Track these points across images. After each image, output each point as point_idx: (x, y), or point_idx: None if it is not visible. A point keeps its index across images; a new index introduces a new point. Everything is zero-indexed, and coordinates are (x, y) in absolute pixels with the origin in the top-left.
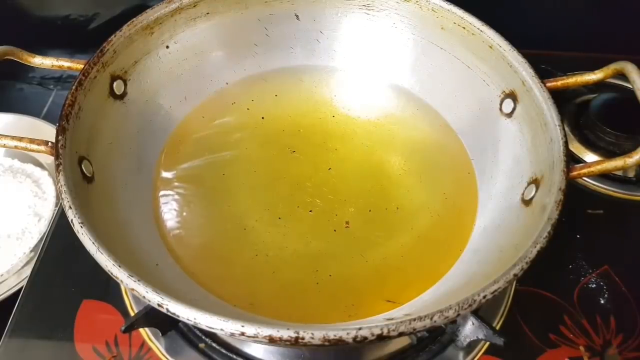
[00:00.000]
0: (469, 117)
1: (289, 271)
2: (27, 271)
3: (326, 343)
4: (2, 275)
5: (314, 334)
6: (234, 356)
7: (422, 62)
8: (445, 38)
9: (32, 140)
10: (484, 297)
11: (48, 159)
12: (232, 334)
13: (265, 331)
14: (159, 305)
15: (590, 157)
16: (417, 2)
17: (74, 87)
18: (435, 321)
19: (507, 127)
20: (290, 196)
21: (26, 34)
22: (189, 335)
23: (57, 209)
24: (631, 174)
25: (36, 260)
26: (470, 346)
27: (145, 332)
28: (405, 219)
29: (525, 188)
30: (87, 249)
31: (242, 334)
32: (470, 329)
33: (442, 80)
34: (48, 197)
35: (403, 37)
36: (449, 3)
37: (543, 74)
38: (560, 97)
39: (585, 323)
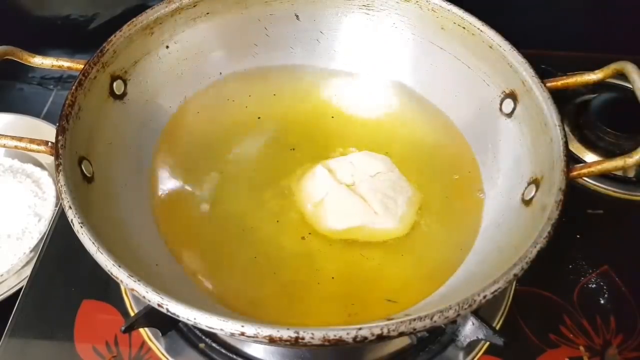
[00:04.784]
0: (469, 117)
1: (289, 271)
2: (27, 271)
3: (326, 343)
4: (2, 275)
5: (314, 334)
6: (234, 356)
7: (422, 62)
8: (446, 38)
9: (32, 141)
10: (484, 297)
11: (48, 159)
12: (232, 334)
13: (265, 331)
14: (159, 305)
15: (590, 157)
16: (417, 2)
17: (73, 87)
18: (435, 321)
19: (507, 127)
20: (291, 199)
21: (26, 34)
22: (189, 335)
23: (57, 209)
24: (631, 174)
25: (36, 261)
26: (470, 346)
27: (145, 332)
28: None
29: (526, 188)
30: (87, 249)
31: (242, 334)
32: (470, 329)
33: (442, 80)
34: (48, 197)
35: (403, 37)
36: (449, 3)
37: (543, 74)
38: (560, 97)
39: (585, 323)
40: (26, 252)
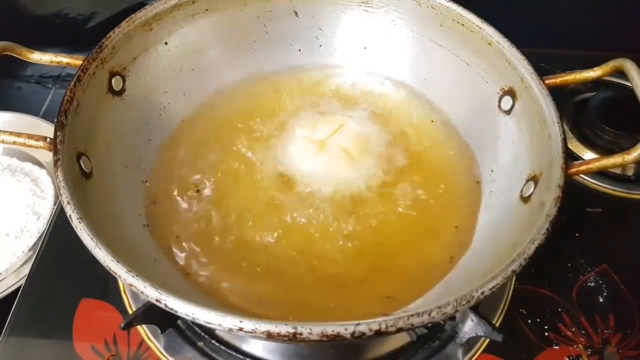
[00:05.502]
0: (468, 114)
1: (287, 269)
2: (26, 270)
3: (324, 339)
4: (0, 273)
5: (312, 330)
6: (233, 354)
7: (421, 59)
8: (445, 35)
9: (30, 136)
10: (482, 293)
11: (47, 158)
12: (230, 330)
13: (264, 326)
14: (157, 300)
15: (589, 155)
16: None
17: (72, 83)
18: (433, 317)
19: (506, 124)
20: (286, 193)
21: (25, 33)
22: (188, 333)
23: (55, 207)
24: (630, 172)
25: (35, 259)
26: (469, 344)
27: (144, 331)
28: (405, 215)
29: (524, 185)
30: (86, 245)
31: (240, 329)
32: (469, 326)
33: (441, 77)
34: (47, 196)
35: (402, 34)
36: (448, 0)
37: (542, 72)
38: (559, 96)
39: (584, 321)
40: (25, 251)
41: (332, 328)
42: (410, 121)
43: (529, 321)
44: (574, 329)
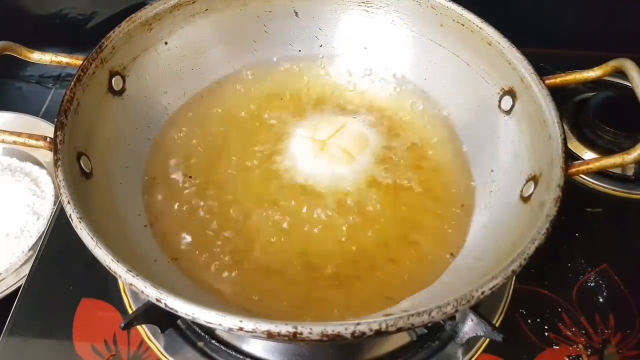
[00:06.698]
0: (468, 113)
1: (287, 269)
2: (26, 270)
3: (324, 338)
4: (0, 273)
5: (312, 329)
6: (233, 354)
7: (421, 59)
8: (445, 35)
9: (30, 136)
10: (482, 293)
11: (47, 157)
12: (230, 330)
13: (264, 326)
14: (157, 300)
15: (589, 155)
16: None
17: (72, 83)
18: (433, 317)
19: (506, 124)
20: (287, 192)
21: (25, 33)
22: (188, 333)
23: (55, 207)
24: (630, 172)
25: (35, 259)
26: (469, 344)
27: (144, 331)
28: (405, 215)
29: (524, 185)
30: (86, 244)
31: (241, 329)
32: (469, 326)
33: (441, 77)
34: (47, 196)
35: (402, 34)
36: (448, 0)
37: (542, 72)
38: (559, 96)
39: (584, 321)
40: (25, 251)
41: (332, 328)
42: (410, 121)
43: (529, 321)
44: (574, 329)
